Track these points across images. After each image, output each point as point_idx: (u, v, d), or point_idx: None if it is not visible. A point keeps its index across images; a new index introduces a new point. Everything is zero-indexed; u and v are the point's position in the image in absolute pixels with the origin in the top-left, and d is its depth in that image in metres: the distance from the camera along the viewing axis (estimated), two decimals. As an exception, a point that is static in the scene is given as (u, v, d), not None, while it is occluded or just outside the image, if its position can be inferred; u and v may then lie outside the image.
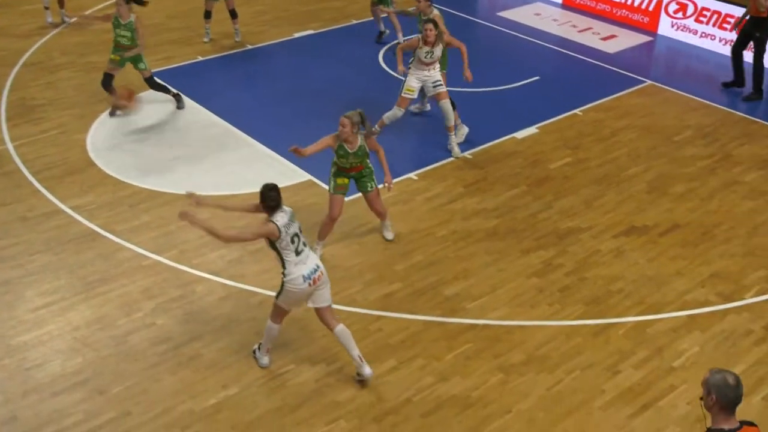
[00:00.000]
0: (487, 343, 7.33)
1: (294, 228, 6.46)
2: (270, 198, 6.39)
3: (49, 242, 8.55)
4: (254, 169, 9.99)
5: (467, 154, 10.39)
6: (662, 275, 8.24)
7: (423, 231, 8.90)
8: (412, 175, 9.91)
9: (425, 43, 9.89)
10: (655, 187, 9.75)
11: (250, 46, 13.59)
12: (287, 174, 9.88)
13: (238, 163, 10.14)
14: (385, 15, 13.40)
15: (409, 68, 10.17)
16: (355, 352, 6.80)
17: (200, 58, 13.08)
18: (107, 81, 10.74)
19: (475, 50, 12.61)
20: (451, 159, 10.27)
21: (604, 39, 14.20)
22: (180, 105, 11.44)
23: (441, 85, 10.10)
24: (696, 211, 9.31)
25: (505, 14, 15.35)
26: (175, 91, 11.47)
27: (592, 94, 12.08)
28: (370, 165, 8.29)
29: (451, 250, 8.60)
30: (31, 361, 7.03)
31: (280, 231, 6.35)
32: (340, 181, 8.25)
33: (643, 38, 14.36)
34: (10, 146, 10.32)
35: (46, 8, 14.06)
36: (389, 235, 8.75)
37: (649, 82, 12.57)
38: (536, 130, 11.05)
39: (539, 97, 12.00)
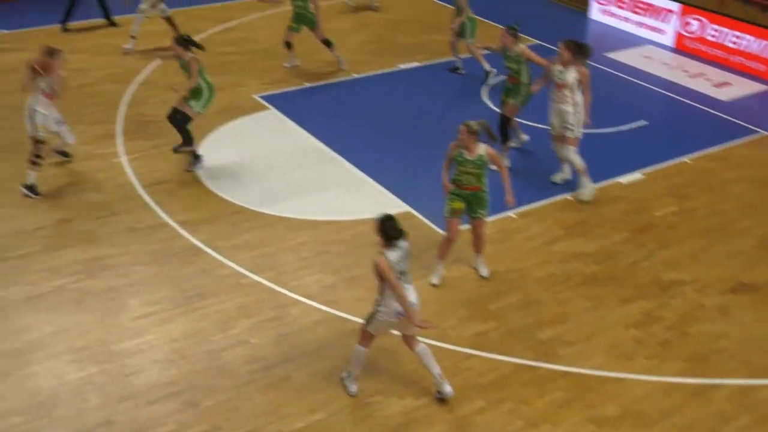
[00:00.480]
0: (580, 392, 7.15)
1: (403, 265, 6.50)
2: (390, 228, 6.46)
3: (154, 254, 8.82)
4: (354, 196, 10.09)
5: (568, 195, 10.24)
6: (770, 337, 7.91)
7: (520, 271, 8.79)
8: (511, 213, 9.82)
9: (560, 62, 9.83)
10: (767, 243, 9.38)
11: (355, 75, 13.79)
12: (386, 204, 9.92)
13: (339, 189, 10.27)
14: (468, 55, 13.58)
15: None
16: (436, 370, 6.87)
17: (307, 85, 13.34)
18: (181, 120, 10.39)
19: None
20: (554, 199, 10.13)
21: (717, 86, 13.84)
22: (192, 166, 10.58)
23: (570, 129, 9.99)
24: (809, 272, 8.92)
25: (613, 55, 15.15)
26: (196, 150, 10.62)
27: (701, 141, 11.76)
28: (486, 189, 8.26)
29: (548, 292, 8.46)
30: (130, 367, 7.24)
31: (391, 268, 6.39)
32: (455, 205, 8.29)
33: (759, 87, 13.93)
34: (124, 159, 10.73)
35: (133, 37, 14.35)
36: (484, 272, 8.68)
37: (764, 133, 12.16)
38: (641, 176, 10.81)
39: (646, 141, 11.75)
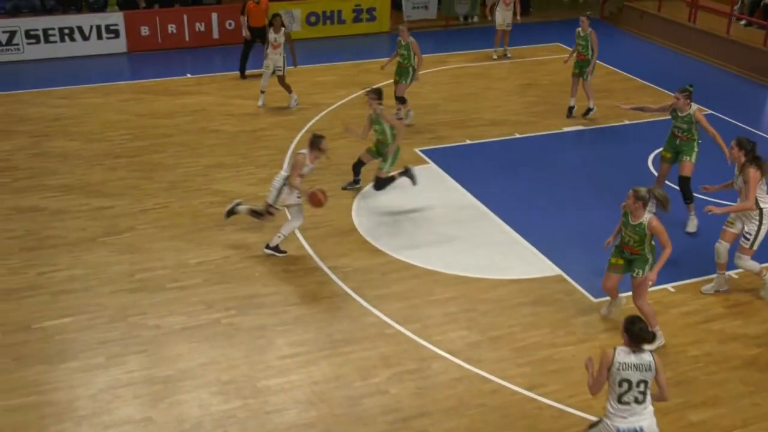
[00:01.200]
0: (733, 482, 6.69)
1: (632, 375, 5.93)
2: (640, 330, 5.95)
3: (305, 296, 9.07)
4: (506, 255, 10.01)
5: (734, 273, 9.69)
6: None
7: (674, 347, 8.37)
8: (668, 286, 9.42)
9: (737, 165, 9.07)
10: None
11: (518, 135, 13.76)
12: (538, 266, 9.79)
13: (490, 248, 10.21)
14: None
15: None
16: None
17: (468, 142, 13.44)
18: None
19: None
20: (714, 275, 9.62)
21: None
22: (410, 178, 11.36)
23: (747, 238, 9.01)
24: None
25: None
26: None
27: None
28: (648, 255, 8.10)
29: (703, 372, 8.00)
30: (271, 405, 7.42)
31: (612, 363, 5.98)
32: (614, 260, 8.33)
33: None
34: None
35: (262, 92, 14.65)
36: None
37: None
38: (817, 258, 10.11)
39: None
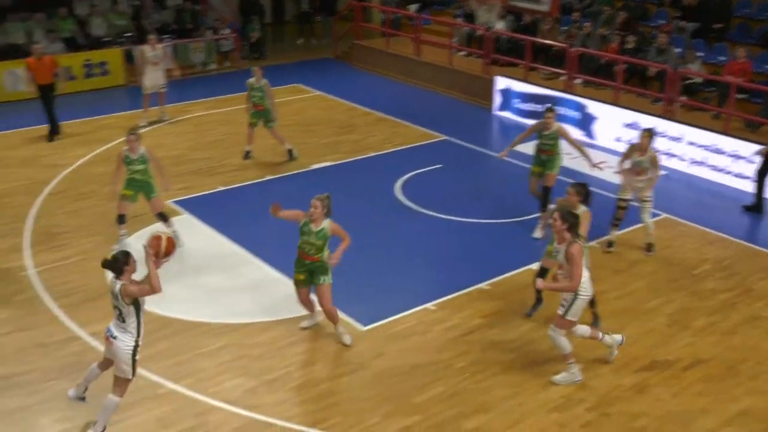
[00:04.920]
0: (509, 480, 7.11)
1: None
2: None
3: (66, 369, 8.49)
4: (273, 297, 10.01)
5: (485, 284, 10.39)
6: (688, 412, 8.06)
7: (442, 362, 8.80)
8: (429, 305, 9.90)
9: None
10: (676, 320, 9.67)
11: (270, 177, 13.87)
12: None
13: (256, 291, 10.17)
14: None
15: None
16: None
17: (221, 188, 13.33)
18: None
19: (491, 182, 12.86)
20: (470, 289, 10.25)
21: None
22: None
23: (564, 306, 8.30)
24: (719, 346, 9.18)
25: (519, 148, 15.64)
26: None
27: (608, 226, 12.12)
28: (327, 263, 8.69)
29: (470, 382, 8.47)
30: (41, 492, 6.87)
31: None
32: (298, 276, 8.85)
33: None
34: (32, 272, 10.42)
35: None
36: (346, 339, 9.06)
37: (665, 215, 12.68)
38: (553, 262, 11.09)
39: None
